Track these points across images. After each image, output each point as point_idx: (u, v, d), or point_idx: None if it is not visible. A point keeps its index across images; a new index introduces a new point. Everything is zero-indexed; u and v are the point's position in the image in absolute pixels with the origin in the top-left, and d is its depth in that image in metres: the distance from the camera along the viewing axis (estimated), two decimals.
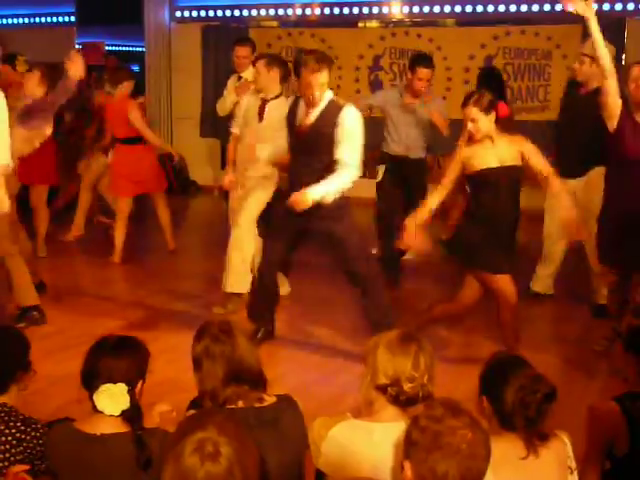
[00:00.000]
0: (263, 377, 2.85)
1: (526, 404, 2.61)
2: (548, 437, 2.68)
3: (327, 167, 4.98)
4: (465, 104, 4.79)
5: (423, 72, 6.60)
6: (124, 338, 2.88)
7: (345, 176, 4.98)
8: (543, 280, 6.54)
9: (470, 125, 4.76)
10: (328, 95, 5.01)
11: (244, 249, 6.03)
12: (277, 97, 6.06)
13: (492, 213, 4.86)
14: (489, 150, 4.78)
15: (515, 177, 4.88)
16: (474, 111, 4.73)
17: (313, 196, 4.88)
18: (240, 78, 7.02)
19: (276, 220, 5.34)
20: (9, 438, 2.84)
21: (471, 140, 4.84)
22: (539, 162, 4.82)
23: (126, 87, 7.79)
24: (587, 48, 5.64)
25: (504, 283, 4.90)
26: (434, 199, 4.93)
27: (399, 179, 6.91)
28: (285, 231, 5.21)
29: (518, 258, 5.34)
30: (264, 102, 6.10)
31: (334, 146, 4.96)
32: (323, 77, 4.88)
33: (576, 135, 5.97)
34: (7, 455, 2.82)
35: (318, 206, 4.93)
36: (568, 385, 4.46)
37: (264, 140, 5.92)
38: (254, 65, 6.31)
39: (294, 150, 5.20)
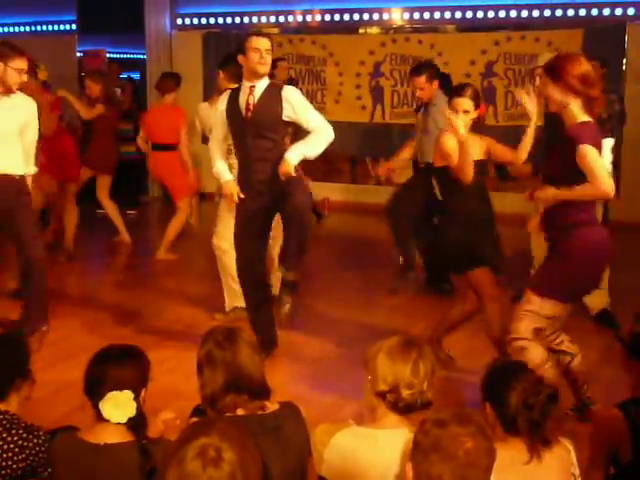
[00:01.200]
0: (265, 387, 2.82)
1: (530, 406, 2.62)
2: (552, 443, 2.67)
3: (276, 146, 5.06)
4: (462, 94, 4.79)
5: (416, 81, 6.63)
6: (126, 347, 2.89)
7: (323, 134, 5.07)
8: None
9: (462, 116, 4.72)
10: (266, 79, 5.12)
11: (230, 268, 5.98)
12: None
13: (465, 209, 4.88)
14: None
15: (483, 172, 4.96)
16: (469, 103, 4.78)
17: (294, 157, 4.90)
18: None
19: (239, 219, 5.29)
20: (11, 446, 2.84)
21: (457, 132, 4.62)
22: (503, 150, 4.96)
23: (173, 95, 8.02)
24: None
25: (477, 277, 4.91)
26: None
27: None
28: (251, 224, 5.20)
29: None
30: None
31: (283, 124, 5.10)
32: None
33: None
34: (9, 463, 2.82)
35: (274, 186, 4.97)
36: (570, 391, 4.46)
37: None
38: None
39: (241, 137, 5.14)
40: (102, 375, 2.73)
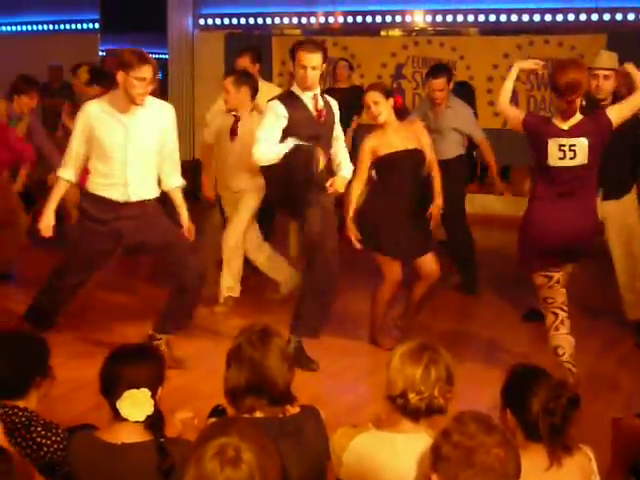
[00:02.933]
0: (288, 395, 2.78)
1: (551, 411, 2.60)
2: (572, 449, 2.65)
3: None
4: (366, 91, 5.49)
5: (435, 83, 6.71)
6: (141, 346, 2.91)
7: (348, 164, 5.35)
8: None
9: (373, 107, 5.33)
10: None
11: (233, 266, 6.38)
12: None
13: (398, 194, 5.42)
14: (392, 135, 5.38)
15: (418, 160, 5.49)
16: (376, 95, 5.35)
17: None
18: None
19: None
20: (30, 443, 2.85)
21: (375, 124, 5.45)
22: (428, 150, 5.55)
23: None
24: (599, 62, 5.55)
25: (388, 267, 5.48)
26: (356, 190, 5.46)
27: None
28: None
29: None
30: (236, 120, 6.23)
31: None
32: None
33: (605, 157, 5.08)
34: (28, 460, 2.83)
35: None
36: (591, 398, 4.41)
37: (239, 157, 6.03)
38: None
39: (313, 141, 5.05)
40: (118, 374, 2.73)
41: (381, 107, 5.32)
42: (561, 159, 4.65)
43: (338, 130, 5.30)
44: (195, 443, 1.96)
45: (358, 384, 5.01)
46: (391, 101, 5.39)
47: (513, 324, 6.17)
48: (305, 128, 5.03)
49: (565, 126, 4.65)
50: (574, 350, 4.82)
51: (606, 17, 9.50)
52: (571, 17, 9.74)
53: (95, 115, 4.87)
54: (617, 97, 5.31)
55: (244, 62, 7.12)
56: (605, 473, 2.89)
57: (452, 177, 6.49)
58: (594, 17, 9.58)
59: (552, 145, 4.65)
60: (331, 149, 5.23)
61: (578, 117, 4.66)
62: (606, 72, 5.48)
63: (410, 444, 2.57)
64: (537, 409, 2.61)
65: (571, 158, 4.64)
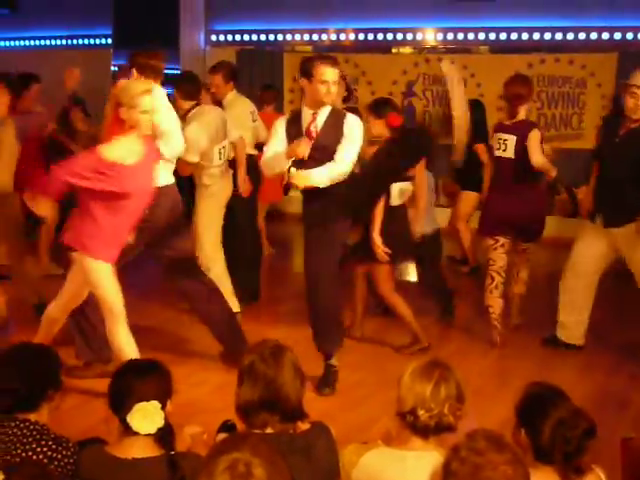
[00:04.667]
0: (300, 412, 2.78)
1: (567, 439, 2.56)
2: (585, 471, 2.62)
3: None
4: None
5: None
6: (147, 361, 2.91)
7: (337, 168, 4.89)
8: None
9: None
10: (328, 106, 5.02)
11: (214, 271, 6.21)
12: None
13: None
14: None
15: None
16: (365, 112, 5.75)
17: (304, 175, 4.81)
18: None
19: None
20: (40, 456, 2.85)
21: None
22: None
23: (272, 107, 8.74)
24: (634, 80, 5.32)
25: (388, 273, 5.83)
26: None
27: None
28: None
29: None
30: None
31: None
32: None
33: (615, 181, 5.48)
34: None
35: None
36: (600, 415, 4.38)
37: None
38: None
39: (301, 161, 4.93)
40: (127, 389, 2.74)
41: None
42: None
43: (342, 148, 4.93)
44: (207, 457, 1.97)
45: (368, 400, 4.98)
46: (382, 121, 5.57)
47: (524, 342, 6.16)
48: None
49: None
50: (502, 311, 6.05)
51: (617, 36, 9.50)
52: (582, 36, 9.75)
53: None
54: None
55: (217, 80, 7.21)
56: None
57: None
58: (605, 36, 9.59)
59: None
60: None
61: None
62: None
63: (420, 462, 2.56)
64: (553, 435, 2.57)
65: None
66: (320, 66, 4.82)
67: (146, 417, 2.67)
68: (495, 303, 6.00)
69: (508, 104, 5.94)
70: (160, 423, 2.69)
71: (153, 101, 4.44)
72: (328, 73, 4.82)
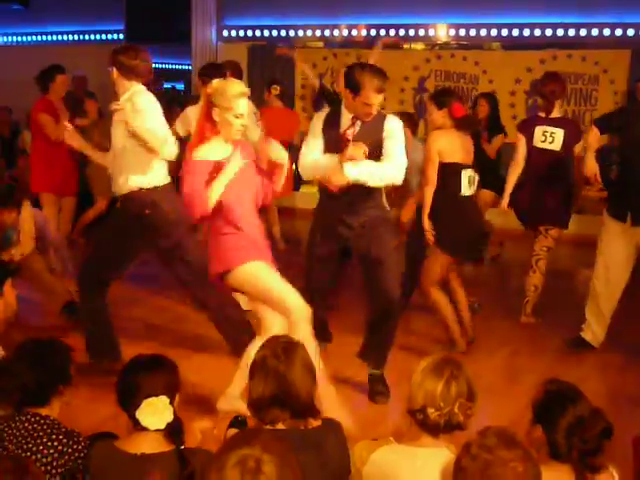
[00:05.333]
0: (311, 408, 2.78)
1: (584, 439, 2.55)
2: (600, 469, 2.61)
3: None
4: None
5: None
6: (154, 356, 2.90)
7: (391, 170, 4.68)
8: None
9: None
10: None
11: None
12: None
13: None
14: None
15: None
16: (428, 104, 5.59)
17: (353, 171, 4.53)
18: None
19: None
20: (51, 451, 2.86)
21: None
22: None
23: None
24: None
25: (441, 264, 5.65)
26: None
27: None
28: None
29: None
30: None
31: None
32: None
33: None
34: (49, 468, 2.84)
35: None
36: (612, 414, 4.36)
37: None
38: None
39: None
40: (135, 385, 2.74)
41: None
42: None
43: (392, 147, 4.72)
44: (218, 452, 1.97)
45: None
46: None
47: (536, 339, 6.14)
48: (330, 146, 4.77)
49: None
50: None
51: (630, 32, 9.47)
52: (595, 32, 9.72)
53: None
54: None
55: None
56: None
57: None
58: (618, 32, 9.56)
59: None
60: None
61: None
62: None
63: (430, 458, 2.55)
64: (570, 434, 2.56)
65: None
66: (369, 89, 4.56)
67: (155, 413, 2.67)
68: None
69: (544, 100, 6.37)
70: (169, 418, 2.69)
71: (248, 105, 4.25)
72: (375, 99, 4.61)
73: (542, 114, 6.40)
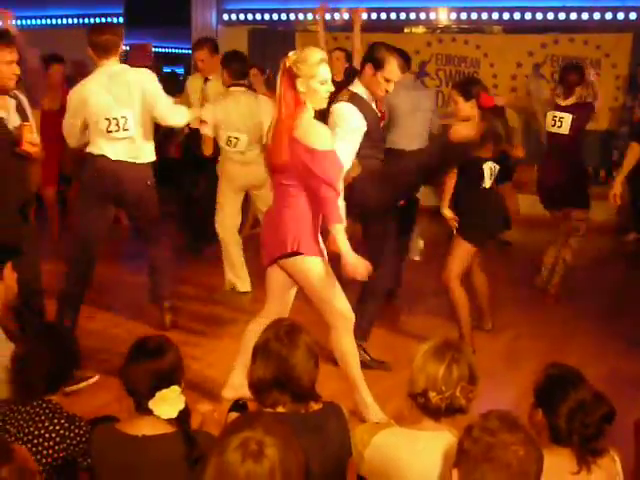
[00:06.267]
0: (312, 393, 2.77)
1: (585, 424, 2.55)
2: (601, 453, 2.61)
3: None
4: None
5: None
6: (158, 340, 2.84)
7: None
8: None
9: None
10: None
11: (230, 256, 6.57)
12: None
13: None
14: None
15: None
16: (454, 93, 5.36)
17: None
18: (207, 81, 7.24)
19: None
20: (53, 435, 2.85)
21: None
22: None
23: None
24: None
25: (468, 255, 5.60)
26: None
27: None
28: None
29: None
30: None
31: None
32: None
33: None
34: (50, 452, 2.83)
35: None
36: (613, 398, 4.37)
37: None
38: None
39: (379, 143, 5.00)
40: (141, 371, 2.71)
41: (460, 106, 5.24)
42: None
43: None
44: (220, 435, 1.96)
45: (381, 380, 4.96)
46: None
47: (538, 324, 6.15)
48: (374, 132, 4.83)
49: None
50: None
51: (632, 16, 9.43)
52: (597, 16, 9.68)
53: None
54: None
55: (203, 54, 7.17)
56: (629, 474, 2.86)
57: None
58: (620, 16, 9.52)
59: None
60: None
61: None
62: None
63: (432, 442, 2.55)
64: (571, 418, 2.56)
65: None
66: (394, 64, 4.67)
67: (168, 403, 2.67)
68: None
69: (564, 88, 6.73)
70: (181, 405, 2.69)
71: (329, 71, 4.12)
72: (397, 75, 4.71)
73: (560, 101, 6.68)
